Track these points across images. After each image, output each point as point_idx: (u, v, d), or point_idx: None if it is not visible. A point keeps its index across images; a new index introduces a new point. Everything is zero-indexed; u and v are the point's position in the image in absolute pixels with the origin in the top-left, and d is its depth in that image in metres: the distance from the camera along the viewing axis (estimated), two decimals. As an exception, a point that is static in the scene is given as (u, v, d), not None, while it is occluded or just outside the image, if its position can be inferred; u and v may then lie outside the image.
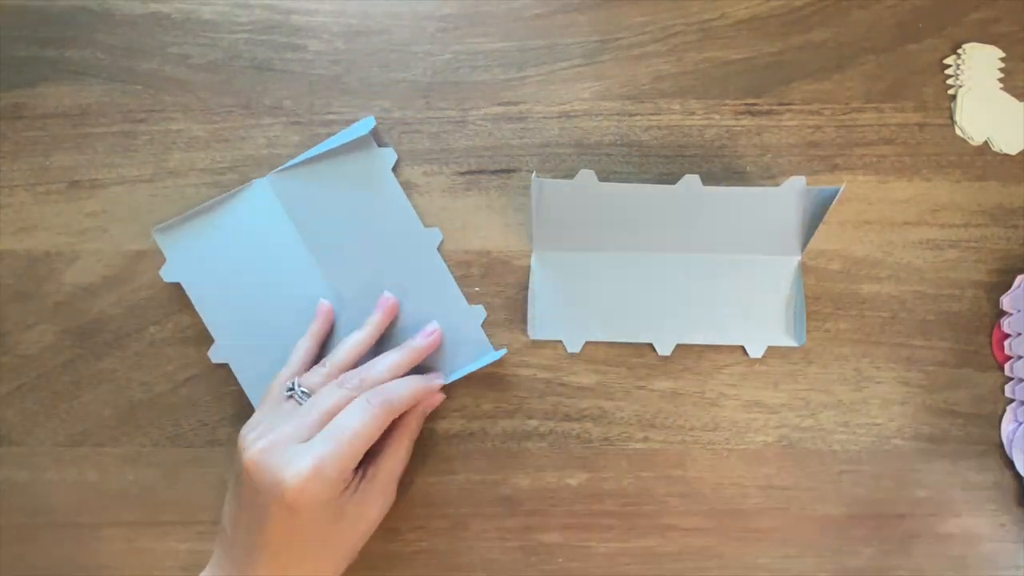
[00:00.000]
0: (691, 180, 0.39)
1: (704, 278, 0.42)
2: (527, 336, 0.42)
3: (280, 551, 0.33)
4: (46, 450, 0.41)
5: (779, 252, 0.42)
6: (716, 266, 0.42)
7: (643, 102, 0.45)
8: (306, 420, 0.35)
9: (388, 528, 0.40)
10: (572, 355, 0.42)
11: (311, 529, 0.33)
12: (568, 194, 0.40)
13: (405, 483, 0.40)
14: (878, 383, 0.41)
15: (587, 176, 0.39)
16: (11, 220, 0.44)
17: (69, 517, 0.40)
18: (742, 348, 0.42)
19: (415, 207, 0.43)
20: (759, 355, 0.41)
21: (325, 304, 0.42)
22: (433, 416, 0.41)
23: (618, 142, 0.44)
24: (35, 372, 0.42)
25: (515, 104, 0.45)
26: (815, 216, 0.40)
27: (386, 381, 0.37)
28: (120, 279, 0.43)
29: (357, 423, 0.34)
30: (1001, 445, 0.40)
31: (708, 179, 0.42)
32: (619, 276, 0.42)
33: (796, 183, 0.39)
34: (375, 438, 0.35)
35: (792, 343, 0.41)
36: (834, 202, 0.38)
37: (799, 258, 0.42)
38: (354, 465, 0.35)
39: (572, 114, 0.44)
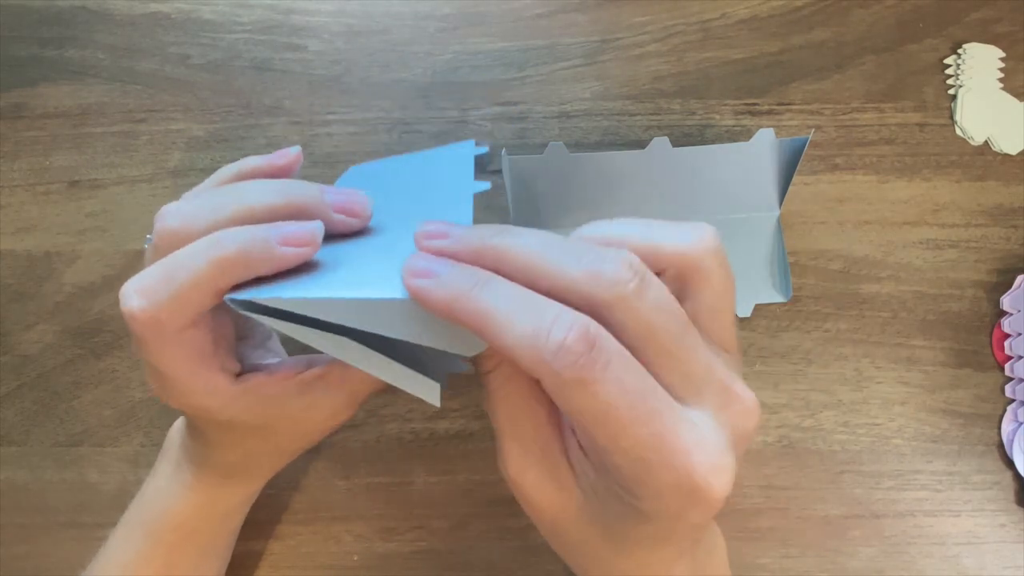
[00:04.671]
0: (661, 142, 0.39)
1: None
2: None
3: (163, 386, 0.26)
4: (46, 450, 0.41)
5: (757, 209, 0.42)
6: None
7: (643, 102, 0.45)
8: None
9: (388, 528, 0.40)
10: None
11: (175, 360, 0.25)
12: (541, 169, 0.39)
13: (405, 483, 0.40)
14: (878, 383, 0.41)
15: (557, 148, 0.39)
16: (11, 220, 0.44)
17: (69, 517, 0.40)
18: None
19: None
20: (747, 314, 0.41)
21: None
22: (433, 416, 0.41)
23: (618, 142, 0.44)
24: (35, 372, 0.42)
25: (515, 104, 0.45)
26: (788, 168, 0.40)
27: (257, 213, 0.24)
28: (120, 279, 0.43)
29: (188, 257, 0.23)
30: (1001, 445, 0.40)
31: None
32: None
33: (766, 135, 0.39)
34: (216, 284, 0.23)
35: (779, 298, 0.42)
36: (804, 152, 0.38)
37: (778, 213, 0.43)
38: (187, 304, 0.23)
39: (572, 114, 0.44)
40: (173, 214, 0.24)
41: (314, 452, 0.41)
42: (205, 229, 0.24)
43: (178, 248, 0.23)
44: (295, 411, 0.29)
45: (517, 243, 0.21)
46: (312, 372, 0.29)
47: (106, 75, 0.45)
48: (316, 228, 0.23)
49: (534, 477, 0.23)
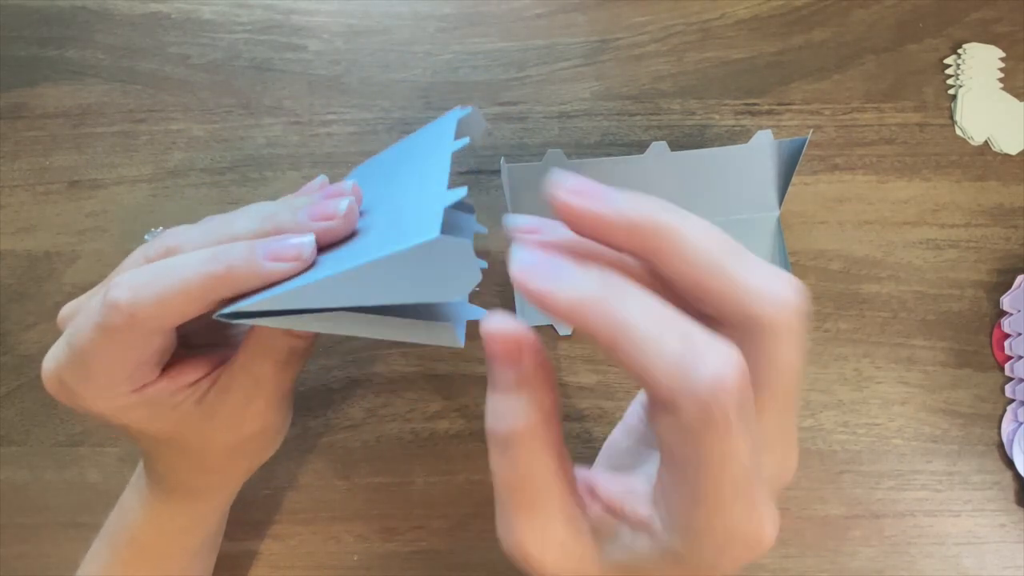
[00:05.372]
0: (659, 147, 0.39)
1: None
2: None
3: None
4: (46, 450, 0.41)
5: (757, 210, 0.42)
6: None
7: (643, 102, 0.45)
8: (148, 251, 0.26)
9: (388, 528, 0.40)
10: (572, 355, 0.42)
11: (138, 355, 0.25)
12: (540, 176, 0.39)
13: (405, 483, 0.40)
14: (878, 383, 0.41)
15: (555, 155, 0.39)
16: (11, 220, 0.44)
17: (69, 517, 0.40)
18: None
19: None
20: None
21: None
22: (433, 416, 0.41)
23: (618, 142, 0.44)
24: (35, 372, 0.42)
25: (515, 104, 0.45)
26: (787, 168, 0.40)
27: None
28: (120, 279, 0.43)
29: (185, 261, 0.23)
30: (1001, 445, 0.40)
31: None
32: None
33: (764, 137, 0.39)
34: (203, 297, 0.23)
35: None
36: (803, 152, 0.38)
37: (777, 213, 0.43)
38: (169, 309, 0.23)
39: (572, 114, 0.44)
40: (175, 234, 0.25)
41: (314, 452, 0.41)
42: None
43: None
44: (195, 421, 0.27)
45: (693, 232, 0.18)
46: (206, 379, 0.27)
47: (106, 75, 0.45)
48: (303, 243, 0.23)
49: (558, 549, 0.19)
